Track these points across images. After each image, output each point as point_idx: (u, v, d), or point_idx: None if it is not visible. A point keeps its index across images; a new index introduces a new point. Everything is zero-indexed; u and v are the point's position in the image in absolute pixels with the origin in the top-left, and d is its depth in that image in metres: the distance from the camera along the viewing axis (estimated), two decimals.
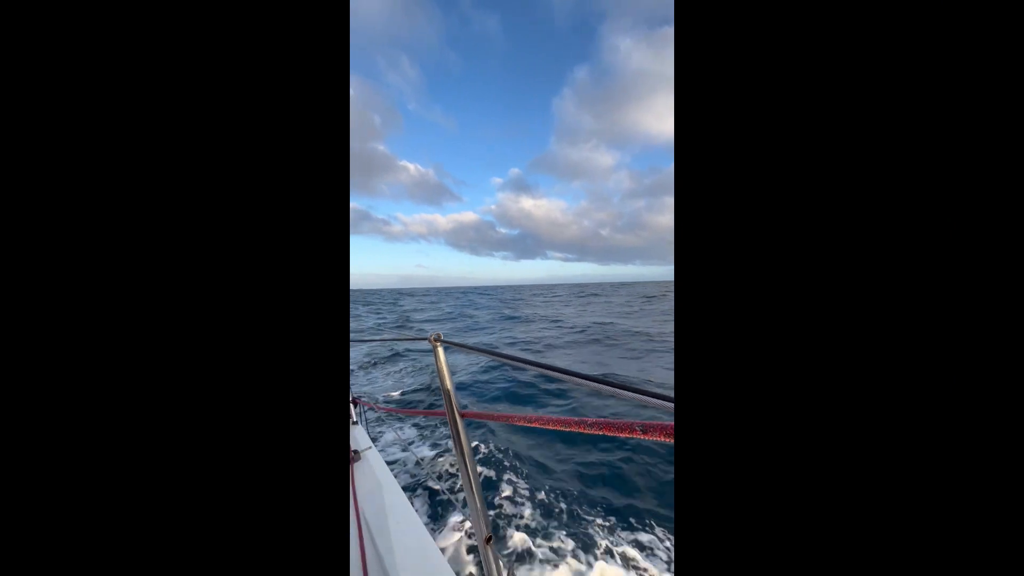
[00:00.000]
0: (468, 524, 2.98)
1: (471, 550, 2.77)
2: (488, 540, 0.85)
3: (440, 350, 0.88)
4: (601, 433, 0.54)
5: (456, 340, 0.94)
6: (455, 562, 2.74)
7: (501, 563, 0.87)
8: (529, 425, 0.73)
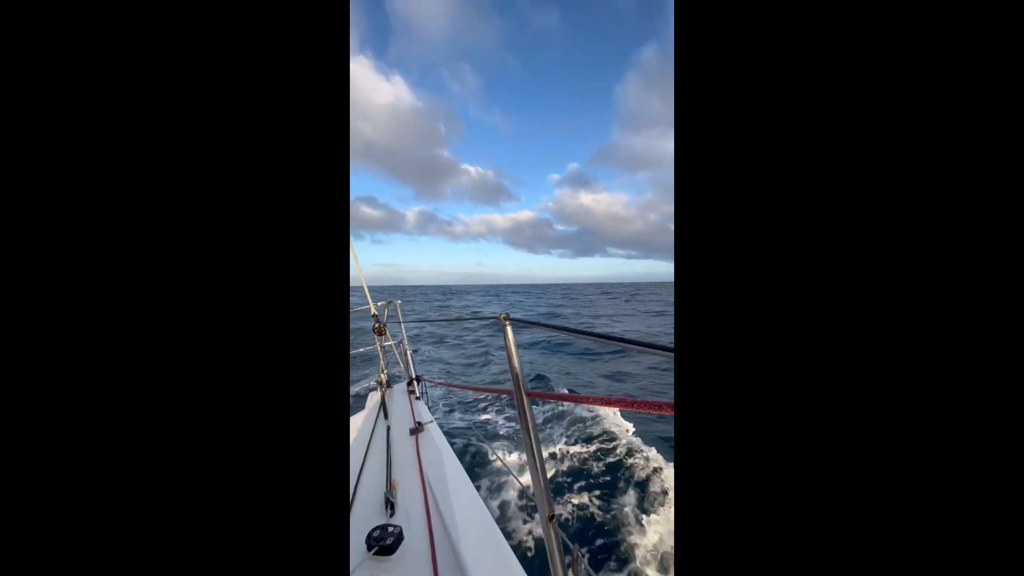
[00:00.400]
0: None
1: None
2: (551, 518, 0.85)
3: (509, 330, 0.88)
4: (659, 413, 0.57)
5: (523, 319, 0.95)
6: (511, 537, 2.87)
7: (564, 541, 0.86)
8: (601, 406, 0.77)
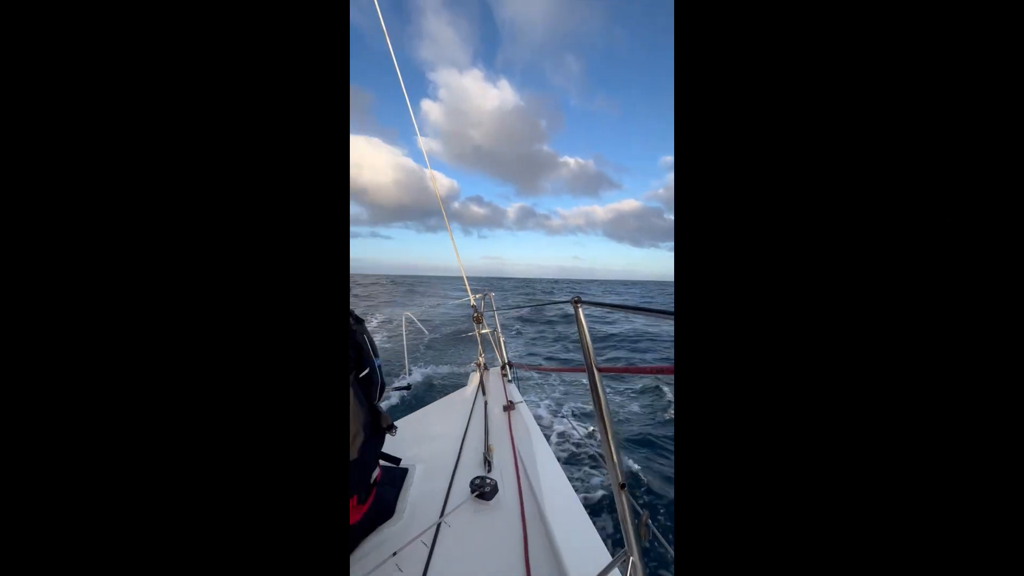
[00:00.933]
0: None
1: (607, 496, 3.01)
2: (622, 487, 0.89)
3: (580, 311, 0.94)
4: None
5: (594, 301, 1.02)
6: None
7: (634, 506, 0.90)
8: (657, 374, 0.84)
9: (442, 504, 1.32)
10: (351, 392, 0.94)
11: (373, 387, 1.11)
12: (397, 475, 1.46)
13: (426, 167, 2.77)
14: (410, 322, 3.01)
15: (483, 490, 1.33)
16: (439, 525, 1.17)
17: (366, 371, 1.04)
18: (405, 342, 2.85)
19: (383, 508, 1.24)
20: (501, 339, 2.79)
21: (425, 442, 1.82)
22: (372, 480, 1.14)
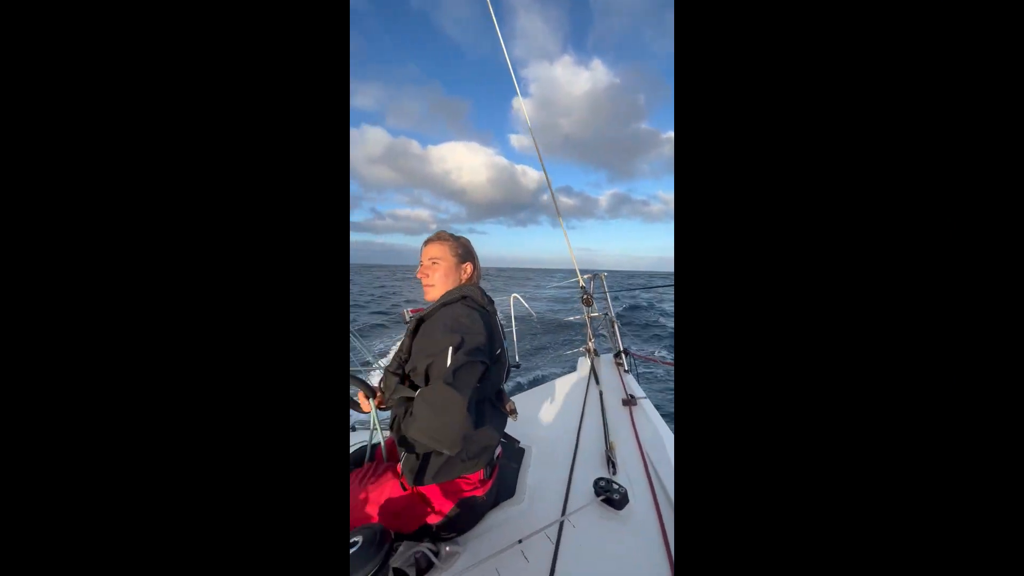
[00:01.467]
0: None
1: None
2: None
3: None
4: None
5: None
6: None
7: None
8: None
9: (563, 499, 1.17)
10: (479, 371, 0.87)
11: (503, 368, 1.09)
12: (515, 453, 1.39)
13: (540, 168, 2.60)
14: (517, 303, 2.89)
15: (610, 496, 1.11)
16: (562, 523, 1.03)
17: (499, 351, 1.03)
18: (513, 322, 2.73)
19: (504, 486, 1.21)
20: (615, 324, 2.50)
21: (537, 426, 1.70)
22: (495, 456, 1.11)
